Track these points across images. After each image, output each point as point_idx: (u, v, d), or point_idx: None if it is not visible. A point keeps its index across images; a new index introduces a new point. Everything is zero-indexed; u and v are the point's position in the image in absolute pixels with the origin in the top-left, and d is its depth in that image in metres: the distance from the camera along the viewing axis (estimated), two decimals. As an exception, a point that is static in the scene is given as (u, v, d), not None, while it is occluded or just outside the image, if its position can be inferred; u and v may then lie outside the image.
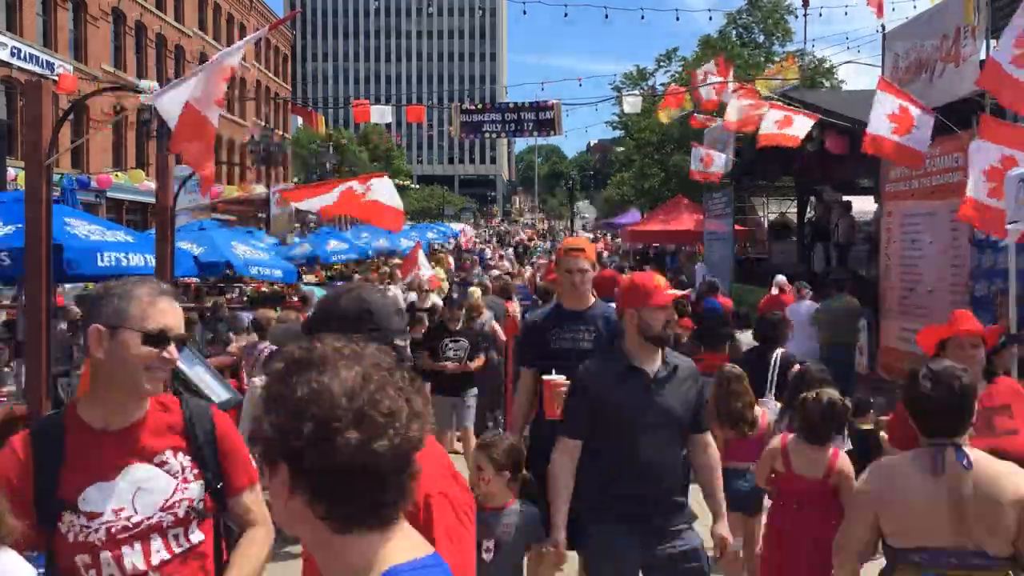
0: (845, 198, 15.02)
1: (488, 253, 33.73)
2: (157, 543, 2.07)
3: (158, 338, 2.05)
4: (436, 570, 1.27)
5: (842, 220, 14.19)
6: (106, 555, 2.01)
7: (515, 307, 11.01)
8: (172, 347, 2.08)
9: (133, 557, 2.03)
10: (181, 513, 2.10)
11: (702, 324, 8.84)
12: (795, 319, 10.03)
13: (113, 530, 2.01)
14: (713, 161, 15.07)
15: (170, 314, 2.09)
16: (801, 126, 10.89)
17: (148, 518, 2.05)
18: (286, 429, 1.20)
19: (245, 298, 15.17)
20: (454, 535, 1.70)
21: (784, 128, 10.85)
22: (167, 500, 2.09)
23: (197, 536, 2.15)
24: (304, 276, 16.09)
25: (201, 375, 4.77)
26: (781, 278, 11.59)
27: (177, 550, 2.10)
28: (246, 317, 11.67)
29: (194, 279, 14.32)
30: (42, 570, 2.05)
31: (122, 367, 2.04)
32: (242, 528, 2.28)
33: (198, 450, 2.17)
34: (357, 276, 16.72)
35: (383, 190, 7.66)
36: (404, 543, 1.27)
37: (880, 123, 7.75)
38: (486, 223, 78.01)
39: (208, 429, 2.21)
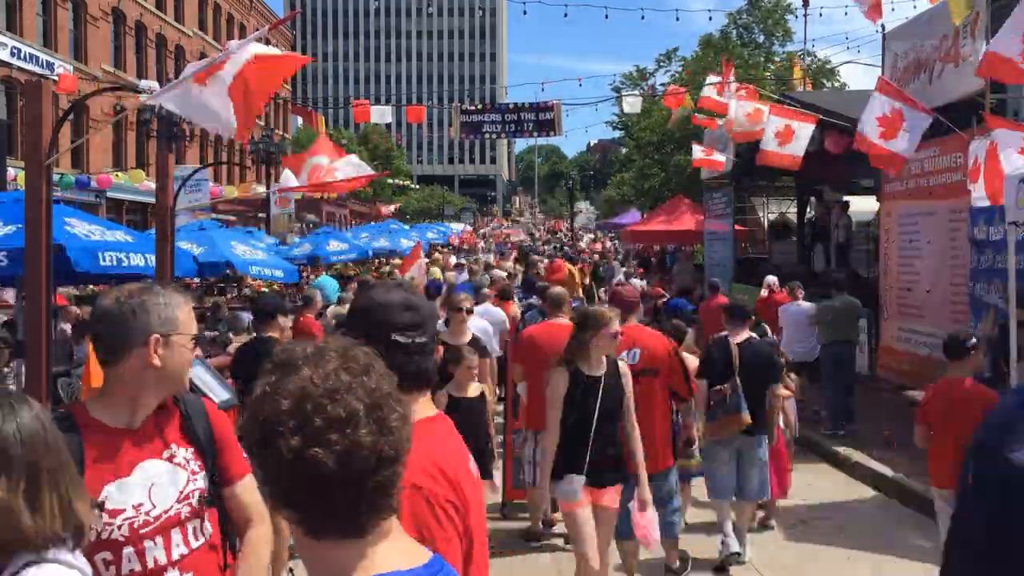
0: (845, 198, 15.01)
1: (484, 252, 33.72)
2: (177, 536, 2.13)
3: (194, 341, 2.26)
4: None
5: (842, 220, 14.21)
6: (128, 550, 2.06)
7: (515, 308, 11.01)
8: (197, 349, 2.32)
9: (155, 551, 2.09)
10: (195, 503, 2.18)
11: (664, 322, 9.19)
12: (788, 319, 10.08)
13: (135, 525, 2.07)
14: (713, 154, 15.04)
15: (192, 317, 2.29)
16: (801, 137, 10.82)
17: (167, 510, 2.12)
18: (244, 430, 1.21)
19: (246, 298, 15.16)
20: (427, 534, 1.64)
21: (784, 145, 10.77)
22: (182, 491, 2.16)
23: (209, 528, 2.23)
24: (306, 275, 16.08)
25: (201, 375, 4.78)
26: (771, 278, 11.72)
27: (195, 543, 2.17)
28: (246, 317, 11.67)
29: (194, 279, 14.32)
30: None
31: (177, 370, 2.19)
32: (241, 523, 2.33)
33: (198, 442, 2.25)
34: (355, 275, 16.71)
35: (348, 167, 7.71)
36: (392, 551, 1.23)
37: (868, 125, 7.78)
38: (487, 223, 77.88)
39: (204, 421, 2.30)
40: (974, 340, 5.09)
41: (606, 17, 22.27)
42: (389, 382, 1.26)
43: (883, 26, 10.99)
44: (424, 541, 1.61)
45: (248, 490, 2.34)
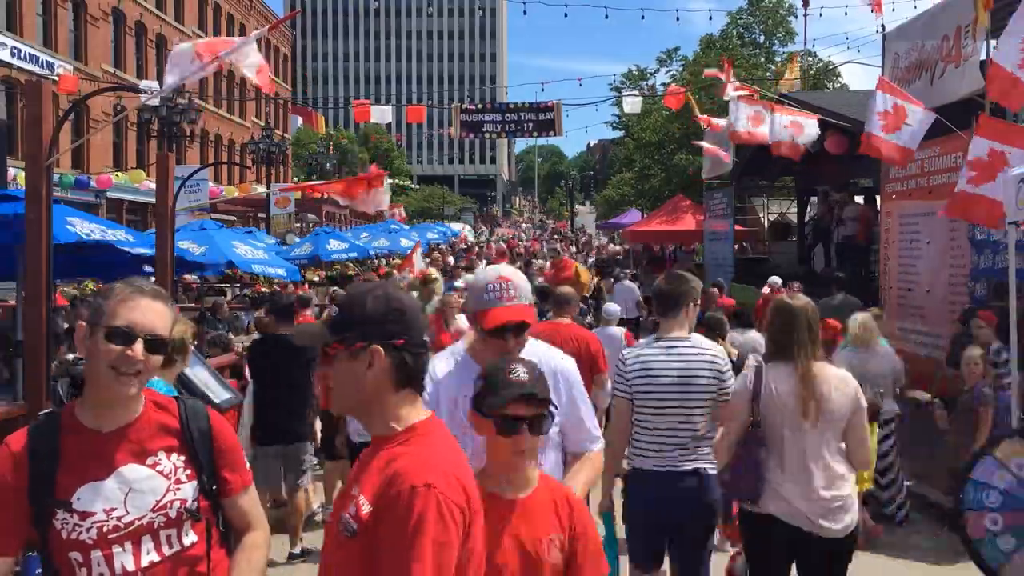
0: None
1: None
2: (148, 544, 2.06)
3: (122, 335, 2.01)
4: None
5: (845, 211, 13.85)
6: (97, 554, 2.01)
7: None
8: (138, 345, 2.01)
9: (123, 558, 2.03)
10: (173, 514, 2.10)
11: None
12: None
13: (104, 529, 2.01)
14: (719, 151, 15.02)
15: (141, 312, 2.05)
16: (809, 128, 10.84)
17: (139, 518, 2.05)
18: None
19: (246, 297, 15.16)
20: (426, 532, 1.65)
21: (797, 136, 10.80)
22: (159, 501, 2.08)
23: (190, 538, 2.14)
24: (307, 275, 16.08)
25: (200, 374, 4.77)
26: (775, 279, 11.89)
27: (168, 552, 2.09)
28: (246, 317, 11.68)
29: (195, 279, 14.34)
30: (38, 571, 2.06)
31: (94, 364, 2.03)
32: (240, 531, 2.26)
33: (193, 451, 2.16)
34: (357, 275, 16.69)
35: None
36: None
37: (873, 123, 7.83)
38: (486, 224, 77.74)
39: (204, 429, 2.20)
40: None
41: (606, 17, 22.32)
42: None
43: (883, 26, 11.03)
44: (417, 539, 1.63)
45: (251, 501, 2.28)
